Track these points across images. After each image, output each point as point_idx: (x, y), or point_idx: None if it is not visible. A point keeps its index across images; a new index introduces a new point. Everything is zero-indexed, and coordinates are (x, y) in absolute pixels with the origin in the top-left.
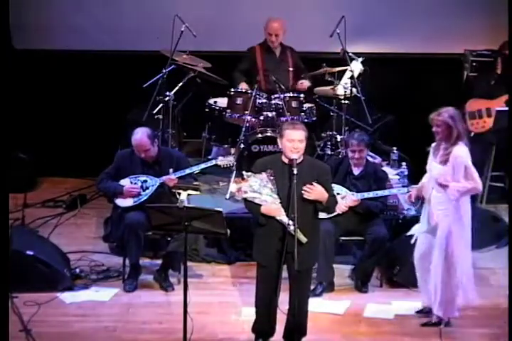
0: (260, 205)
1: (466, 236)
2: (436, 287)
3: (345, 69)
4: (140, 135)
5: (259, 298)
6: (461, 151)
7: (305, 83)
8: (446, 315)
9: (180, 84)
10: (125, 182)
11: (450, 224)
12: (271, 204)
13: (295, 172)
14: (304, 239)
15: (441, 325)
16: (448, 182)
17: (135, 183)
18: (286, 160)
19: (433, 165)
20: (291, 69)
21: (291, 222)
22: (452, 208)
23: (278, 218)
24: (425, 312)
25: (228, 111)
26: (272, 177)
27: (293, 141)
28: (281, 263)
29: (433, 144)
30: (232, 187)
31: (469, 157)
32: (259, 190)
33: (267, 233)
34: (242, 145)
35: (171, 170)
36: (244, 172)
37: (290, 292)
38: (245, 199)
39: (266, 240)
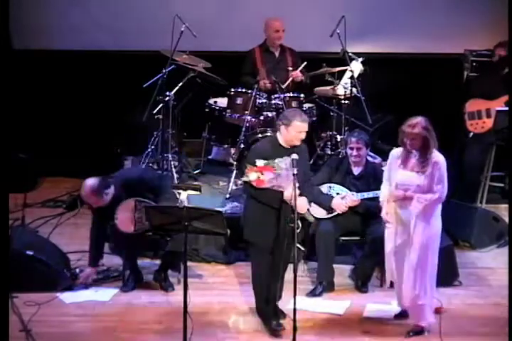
0: (276, 191)
1: (437, 238)
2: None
3: (345, 69)
4: (86, 191)
5: (260, 278)
6: (441, 158)
7: (299, 76)
8: (427, 320)
9: (180, 84)
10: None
11: (426, 228)
12: (292, 191)
13: (295, 172)
14: (311, 219)
15: (424, 332)
16: (412, 195)
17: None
18: (284, 145)
19: (400, 173)
20: (290, 68)
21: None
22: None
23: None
24: (405, 315)
25: (228, 111)
26: (293, 163)
27: (301, 132)
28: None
29: (397, 151)
30: (252, 176)
31: (445, 165)
32: (285, 176)
33: (266, 215)
34: (242, 145)
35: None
36: (256, 160)
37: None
38: (257, 188)
39: (265, 221)
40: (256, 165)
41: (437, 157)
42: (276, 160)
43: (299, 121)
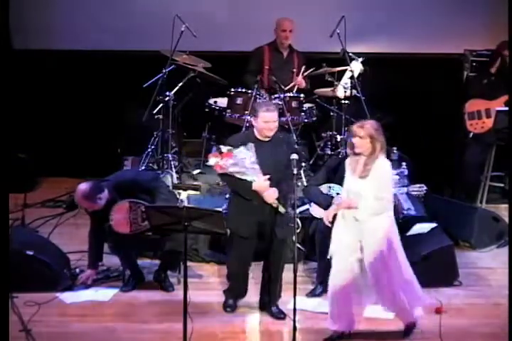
0: (246, 180)
1: (391, 242)
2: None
3: (345, 69)
4: (79, 196)
5: (234, 265)
6: (385, 164)
7: (303, 83)
8: (415, 315)
9: (181, 84)
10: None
11: (374, 236)
12: (263, 182)
13: (295, 172)
14: (283, 210)
15: (415, 327)
16: (355, 205)
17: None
18: (260, 137)
19: (350, 179)
20: (295, 70)
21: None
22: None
23: (264, 194)
24: (334, 338)
25: (228, 111)
26: (253, 150)
27: (268, 122)
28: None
29: (349, 158)
30: (212, 161)
31: (391, 172)
32: (242, 164)
33: (245, 206)
34: None
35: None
36: (222, 146)
37: (266, 260)
38: (224, 174)
39: (245, 212)
40: (222, 152)
41: (381, 163)
42: (240, 148)
43: (263, 111)
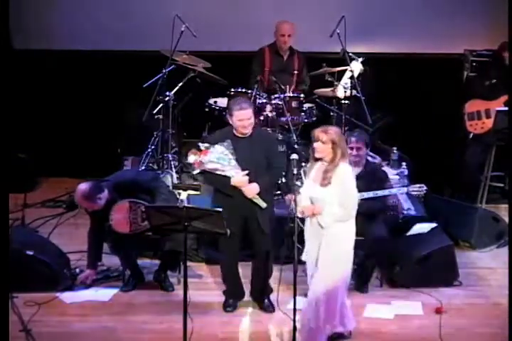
0: (226, 177)
1: (348, 251)
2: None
3: (345, 69)
4: (78, 196)
5: (225, 264)
6: (346, 170)
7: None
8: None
9: (181, 84)
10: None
11: (333, 243)
12: (242, 177)
13: (295, 172)
14: (263, 205)
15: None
16: (319, 212)
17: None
18: (238, 134)
19: (311, 187)
20: (295, 72)
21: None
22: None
23: (243, 189)
24: (334, 338)
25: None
26: (231, 147)
27: (243, 120)
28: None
29: (308, 164)
30: (191, 158)
31: (354, 178)
32: (220, 160)
33: (227, 202)
34: None
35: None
36: (200, 144)
37: (253, 257)
38: (205, 172)
39: (227, 208)
40: (201, 150)
41: (343, 169)
42: (218, 145)
43: (237, 110)
